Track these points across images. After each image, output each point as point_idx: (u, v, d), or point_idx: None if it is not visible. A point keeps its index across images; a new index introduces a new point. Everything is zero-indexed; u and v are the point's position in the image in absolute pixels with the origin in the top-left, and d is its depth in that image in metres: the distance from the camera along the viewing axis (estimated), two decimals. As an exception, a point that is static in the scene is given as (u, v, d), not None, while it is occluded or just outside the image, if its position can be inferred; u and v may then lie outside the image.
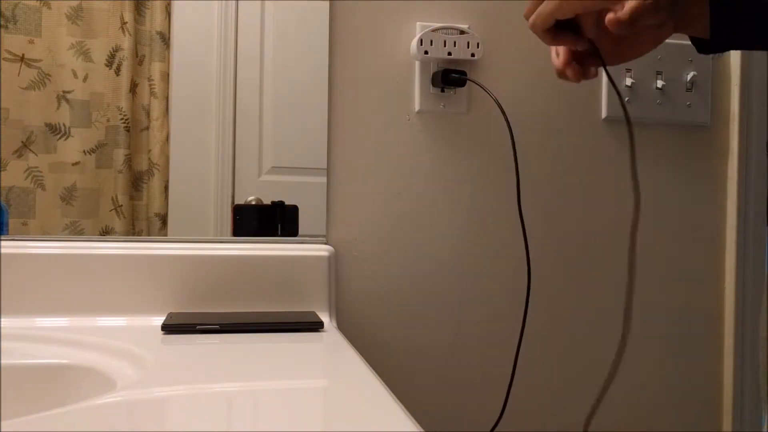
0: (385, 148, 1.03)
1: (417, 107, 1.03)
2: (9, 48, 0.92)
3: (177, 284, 0.88)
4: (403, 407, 0.51)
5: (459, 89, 1.04)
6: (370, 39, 1.02)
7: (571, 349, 1.10)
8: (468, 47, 1.02)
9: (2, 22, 0.92)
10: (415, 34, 1.02)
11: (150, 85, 0.97)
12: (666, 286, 1.14)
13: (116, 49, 0.95)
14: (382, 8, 1.02)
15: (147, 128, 0.97)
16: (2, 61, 0.91)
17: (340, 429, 0.46)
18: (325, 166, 1.00)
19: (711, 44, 0.74)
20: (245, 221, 0.98)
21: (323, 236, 1.00)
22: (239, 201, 0.99)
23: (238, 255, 0.92)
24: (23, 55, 0.92)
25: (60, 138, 0.94)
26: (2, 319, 0.80)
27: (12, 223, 0.92)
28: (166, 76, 0.97)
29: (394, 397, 0.54)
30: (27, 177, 0.93)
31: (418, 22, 1.03)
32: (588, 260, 1.10)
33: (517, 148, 1.01)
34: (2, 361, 0.65)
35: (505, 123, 1.03)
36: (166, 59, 0.97)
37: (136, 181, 0.96)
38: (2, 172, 0.92)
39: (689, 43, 0.75)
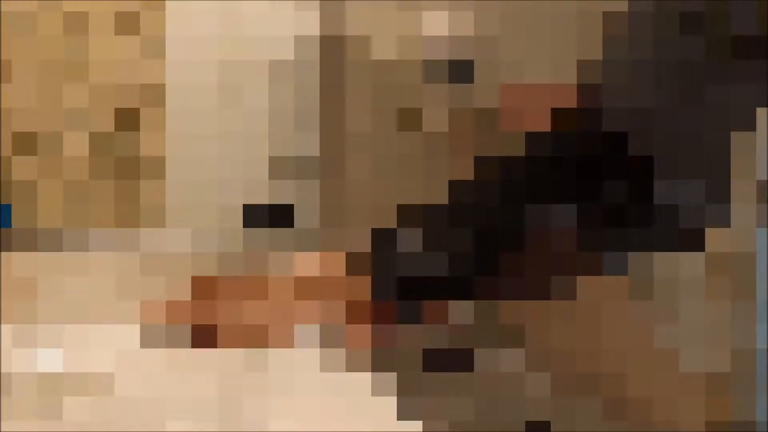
0: (385, 148, 1.03)
1: (417, 107, 1.03)
2: (9, 48, 0.92)
3: (177, 284, 0.88)
4: (401, 406, 0.50)
5: (459, 89, 1.04)
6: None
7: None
8: (468, 47, 1.01)
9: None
10: (414, 34, 1.02)
11: (150, 84, 0.97)
12: (666, 286, 1.13)
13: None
14: (382, 8, 1.02)
15: (147, 128, 0.97)
16: (2, 61, 0.92)
17: (339, 428, 0.46)
18: (324, 166, 1.00)
19: None
20: (246, 221, 0.98)
21: (323, 236, 1.00)
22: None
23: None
24: (23, 55, 0.93)
25: (60, 138, 0.94)
26: (2, 321, 0.80)
27: (12, 222, 0.92)
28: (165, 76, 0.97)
29: (393, 396, 0.54)
30: (27, 176, 0.92)
31: (417, 22, 1.03)
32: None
33: (517, 147, 1.01)
34: (2, 362, 0.65)
35: (504, 122, 1.02)
36: (165, 59, 0.97)
37: (136, 181, 0.96)
38: (2, 172, 0.92)
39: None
